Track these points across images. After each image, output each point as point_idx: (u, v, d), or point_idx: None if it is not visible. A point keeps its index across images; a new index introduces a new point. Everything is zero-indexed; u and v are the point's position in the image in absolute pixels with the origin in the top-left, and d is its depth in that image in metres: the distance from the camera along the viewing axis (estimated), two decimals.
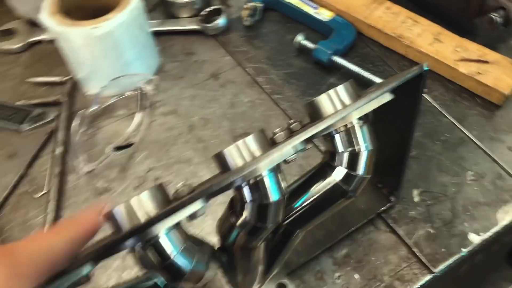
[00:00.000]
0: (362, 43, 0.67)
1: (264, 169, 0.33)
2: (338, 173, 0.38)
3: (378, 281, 0.46)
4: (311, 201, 0.39)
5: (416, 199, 0.51)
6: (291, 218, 0.39)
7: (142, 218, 0.30)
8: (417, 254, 0.47)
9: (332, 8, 0.68)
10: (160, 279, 0.35)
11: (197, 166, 0.56)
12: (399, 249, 0.48)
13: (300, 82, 0.63)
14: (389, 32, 0.64)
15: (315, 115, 0.36)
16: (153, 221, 0.30)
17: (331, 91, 0.36)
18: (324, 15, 0.68)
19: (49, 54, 0.69)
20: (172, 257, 0.32)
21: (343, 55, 0.64)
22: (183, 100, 0.63)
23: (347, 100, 0.36)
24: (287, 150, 0.33)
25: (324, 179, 0.38)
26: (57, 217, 0.52)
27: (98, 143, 0.59)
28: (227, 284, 0.39)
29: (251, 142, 0.33)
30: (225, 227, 0.37)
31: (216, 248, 0.38)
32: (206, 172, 0.55)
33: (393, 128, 0.45)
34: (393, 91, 0.37)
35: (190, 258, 0.33)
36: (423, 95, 0.60)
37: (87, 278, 0.30)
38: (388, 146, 0.47)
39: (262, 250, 0.38)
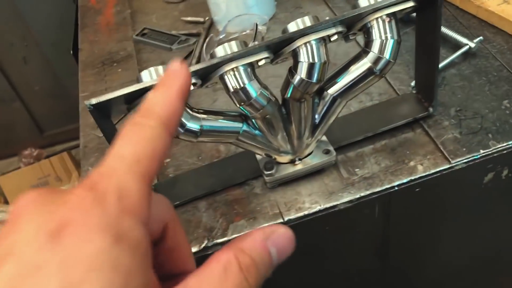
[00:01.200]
0: None
1: (312, 38, 0.50)
2: (370, 56, 0.53)
3: (404, 164, 0.59)
4: (350, 76, 0.54)
5: (452, 114, 0.63)
6: (336, 88, 0.55)
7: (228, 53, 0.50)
8: (441, 149, 0.59)
9: None
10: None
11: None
12: (428, 146, 0.61)
13: None
14: None
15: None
16: (234, 56, 0.49)
17: None
18: None
19: (198, 4, 0.94)
20: (245, 84, 0.50)
21: None
22: None
23: None
24: (329, 27, 0.50)
25: (360, 61, 0.54)
26: None
27: None
28: (284, 132, 0.56)
29: (307, 20, 0.51)
30: (284, 85, 0.55)
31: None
32: None
33: (426, 46, 0.58)
34: (416, 1, 0.52)
35: (255, 90, 0.51)
36: (484, 45, 0.71)
37: (194, 84, 0.50)
38: (425, 63, 0.61)
39: (310, 105, 0.55)
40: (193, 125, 0.51)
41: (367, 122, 0.64)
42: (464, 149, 0.59)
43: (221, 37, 0.83)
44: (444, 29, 0.72)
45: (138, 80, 0.50)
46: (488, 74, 0.67)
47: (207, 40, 0.82)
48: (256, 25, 0.81)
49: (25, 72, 1.96)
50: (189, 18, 0.90)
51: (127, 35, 0.91)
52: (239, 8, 0.82)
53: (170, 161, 0.66)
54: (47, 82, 2.01)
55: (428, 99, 0.63)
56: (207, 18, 0.89)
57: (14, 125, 2.11)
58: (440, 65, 0.68)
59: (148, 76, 0.50)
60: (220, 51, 0.50)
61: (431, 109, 0.62)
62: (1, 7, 1.75)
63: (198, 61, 0.80)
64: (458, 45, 0.70)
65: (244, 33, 0.84)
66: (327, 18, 0.51)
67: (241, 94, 0.51)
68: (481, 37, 0.69)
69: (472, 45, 0.68)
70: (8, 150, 2.09)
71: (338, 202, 0.57)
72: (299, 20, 0.51)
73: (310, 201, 0.58)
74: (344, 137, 0.63)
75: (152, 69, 0.50)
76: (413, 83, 0.67)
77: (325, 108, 0.56)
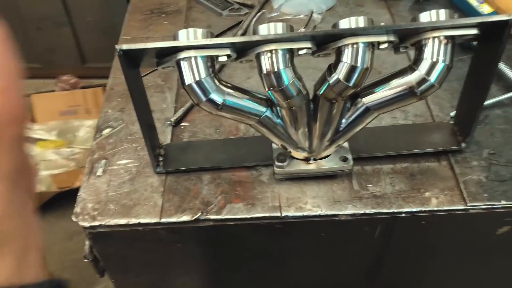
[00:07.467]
0: None
1: (361, 40, 0.48)
2: (415, 75, 0.50)
3: (419, 192, 0.57)
4: (390, 90, 0.51)
5: (484, 155, 0.60)
6: (371, 98, 0.52)
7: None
8: (462, 188, 0.56)
9: (493, 5, 0.77)
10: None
11: None
12: (449, 181, 0.58)
13: None
14: None
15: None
16: (276, 38, 0.47)
17: (432, 11, 0.49)
18: (483, 9, 0.77)
19: None
20: (280, 69, 0.48)
21: None
22: None
23: (442, 19, 0.48)
24: (381, 34, 0.47)
25: (404, 77, 0.51)
26: None
27: None
28: (306, 128, 0.54)
29: (361, 20, 0.48)
30: (319, 81, 0.52)
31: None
32: None
33: (478, 79, 0.55)
34: (480, 30, 0.48)
35: (288, 78, 0.49)
36: None
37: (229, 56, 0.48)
38: (471, 96, 0.57)
39: (340, 108, 0.53)
40: (216, 97, 0.50)
41: (394, 140, 0.61)
42: (486, 194, 0.56)
43: (274, 15, 0.80)
44: (502, 66, 0.68)
45: (175, 37, 0.49)
46: None
47: (258, 14, 0.80)
48: (312, 12, 0.78)
49: (82, 1, 1.98)
50: None
51: None
52: None
53: (188, 126, 0.65)
54: (101, 15, 2.03)
55: (463, 133, 0.60)
56: None
57: (59, 49, 2.14)
58: (487, 102, 0.64)
59: (185, 36, 0.48)
60: (264, 30, 0.49)
61: (463, 145, 0.59)
62: None
63: (243, 34, 0.78)
64: (511, 86, 0.66)
65: (298, 17, 0.81)
66: (383, 23, 0.49)
67: (273, 78, 0.49)
68: None
69: None
70: (47, 72, 2.12)
71: (340, 212, 0.55)
72: (352, 19, 0.48)
73: (313, 203, 0.56)
74: (367, 148, 0.60)
75: (191, 30, 0.49)
76: (452, 113, 0.63)
77: (354, 116, 0.54)
